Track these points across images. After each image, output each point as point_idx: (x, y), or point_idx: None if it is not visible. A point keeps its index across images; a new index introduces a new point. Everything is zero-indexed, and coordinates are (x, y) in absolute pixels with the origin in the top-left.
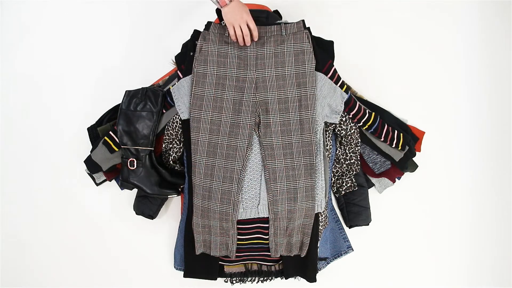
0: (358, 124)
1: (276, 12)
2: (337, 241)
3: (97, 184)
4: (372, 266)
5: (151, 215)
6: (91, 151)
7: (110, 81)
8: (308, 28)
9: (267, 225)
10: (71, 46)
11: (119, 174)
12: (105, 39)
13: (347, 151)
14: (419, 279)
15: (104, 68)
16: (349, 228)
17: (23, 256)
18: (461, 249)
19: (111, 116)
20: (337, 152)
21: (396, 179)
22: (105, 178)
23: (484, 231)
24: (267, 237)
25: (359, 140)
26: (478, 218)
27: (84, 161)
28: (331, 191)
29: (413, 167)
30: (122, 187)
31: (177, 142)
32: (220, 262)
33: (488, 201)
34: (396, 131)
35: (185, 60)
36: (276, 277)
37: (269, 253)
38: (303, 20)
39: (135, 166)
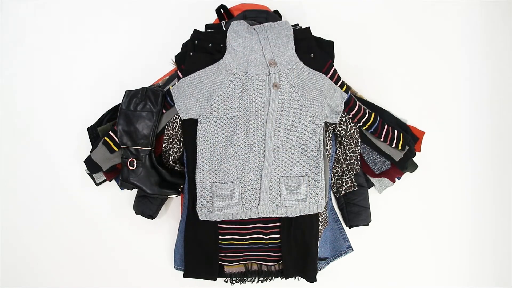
0: (358, 124)
1: (276, 12)
2: (337, 241)
3: (97, 184)
4: (372, 266)
5: (151, 215)
6: (91, 151)
7: (110, 81)
8: (308, 28)
9: (267, 225)
10: (71, 46)
11: (119, 174)
12: (105, 39)
13: (347, 151)
14: (419, 279)
15: (104, 68)
16: (349, 228)
17: (23, 256)
18: (461, 249)
19: (111, 116)
20: (337, 152)
21: (396, 179)
22: (105, 178)
23: (484, 231)
24: (267, 237)
25: (359, 140)
26: (478, 218)
27: (84, 161)
28: (331, 191)
29: (413, 167)
30: (122, 187)
31: (177, 142)
32: (220, 262)
33: (488, 201)
34: (396, 131)
35: (185, 60)
36: (276, 277)
37: (269, 253)
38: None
39: (135, 166)
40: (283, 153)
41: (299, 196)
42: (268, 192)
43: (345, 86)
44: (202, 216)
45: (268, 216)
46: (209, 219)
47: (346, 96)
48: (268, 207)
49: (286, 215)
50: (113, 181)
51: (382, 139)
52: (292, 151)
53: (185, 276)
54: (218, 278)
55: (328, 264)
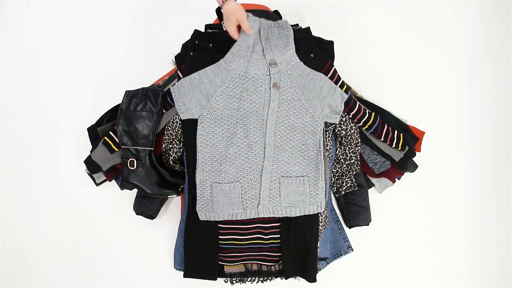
0: (358, 124)
1: (276, 12)
2: (337, 241)
3: (97, 184)
4: (372, 266)
5: (151, 215)
6: (91, 151)
7: (110, 81)
8: (308, 28)
9: (267, 225)
10: (71, 46)
11: (119, 174)
12: (105, 39)
13: (347, 151)
14: (419, 279)
15: (104, 68)
16: (349, 228)
17: (23, 256)
18: (461, 249)
19: (111, 116)
20: (337, 152)
21: (396, 179)
22: (105, 178)
23: (484, 231)
24: (267, 237)
25: (359, 140)
26: (478, 218)
27: (84, 161)
28: (331, 191)
29: (413, 167)
30: (122, 187)
31: (177, 142)
32: (220, 262)
33: (488, 200)
34: (396, 131)
35: (185, 60)
36: (276, 277)
37: (269, 253)
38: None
39: (135, 166)
40: (283, 153)
41: (299, 196)
42: (268, 192)
43: (345, 86)
44: (202, 216)
45: (268, 216)
46: (209, 219)
47: (346, 96)
48: (268, 207)
49: (286, 215)
50: (113, 181)
51: (382, 139)
52: (292, 151)
53: (185, 276)
54: (218, 278)
55: (328, 264)
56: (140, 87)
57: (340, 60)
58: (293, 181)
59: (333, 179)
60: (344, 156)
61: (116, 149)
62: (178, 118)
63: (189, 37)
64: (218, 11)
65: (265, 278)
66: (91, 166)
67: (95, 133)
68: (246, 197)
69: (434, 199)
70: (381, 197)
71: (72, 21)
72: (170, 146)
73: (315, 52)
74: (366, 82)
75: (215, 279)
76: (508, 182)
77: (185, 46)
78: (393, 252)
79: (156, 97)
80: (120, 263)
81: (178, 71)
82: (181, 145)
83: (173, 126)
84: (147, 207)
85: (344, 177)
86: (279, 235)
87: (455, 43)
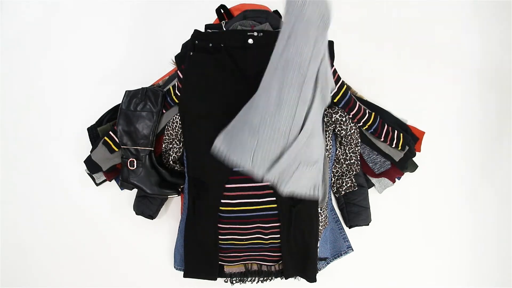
0: (358, 124)
1: (276, 12)
2: (337, 241)
3: (97, 184)
4: (372, 266)
5: (151, 215)
6: (91, 151)
7: (110, 81)
8: None
9: (267, 225)
10: (71, 46)
11: (119, 174)
12: (105, 39)
13: (347, 151)
14: (419, 279)
15: (104, 68)
16: (349, 228)
17: (23, 256)
18: (461, 249)
19: (111, 116)
20: (337, 152)
21: (396, 179)
22: (105, 178)
23: (484, 231)
24: (267, 237)
25: (359, 140)
26: (478, 218)
27: (84, 161)
28: (331, 191)
29: (413, 167)
30: (122, 187)
31: (177, 142)
32: (220, 262)
33: (489, 200)
34: (396, 131)
35: (185, 60)
36: (276, 277)
37: (269, 253)
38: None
39: (135, 166)
40: None
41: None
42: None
43: (345, 86)
44: (219, 140)
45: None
46: (220, 149)
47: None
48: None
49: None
50: (113, 181)
51: (382, 139)
52: None
53: (185, 276)
54: (218, 278)
55: (328, 264)
56: (140, 87)
57: (340, 60)
58: None
59: (333, 179)
60: (344, 156)
61: (116, 149)
62: (178, 118)
63: (189, 37)
64: (218, 11)
65: (265, 278)
66: (91, 166)
67: (95, 133)
68: (258, 155)
69: (434, 199)
70: (381, 197)
71: (72, 21)
72: (170, 146)
73: None
74: (366, 82)
75: (215, 279)
76: (508, 182)
77: (185, 46)
78: (393, 252)
79: (156, 97)
80: (120, 263)
81: (178, 71)
82: (181, 145)
83: (173, 126)
84: (147, 207)
85: (344, 177)
86: (279, 235)
87: (455, 43)
